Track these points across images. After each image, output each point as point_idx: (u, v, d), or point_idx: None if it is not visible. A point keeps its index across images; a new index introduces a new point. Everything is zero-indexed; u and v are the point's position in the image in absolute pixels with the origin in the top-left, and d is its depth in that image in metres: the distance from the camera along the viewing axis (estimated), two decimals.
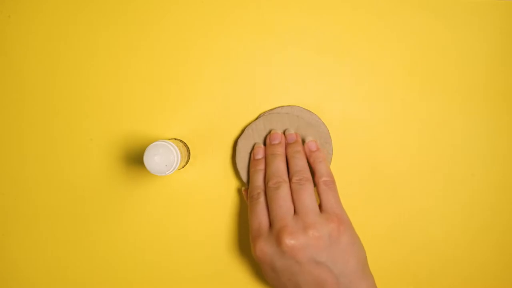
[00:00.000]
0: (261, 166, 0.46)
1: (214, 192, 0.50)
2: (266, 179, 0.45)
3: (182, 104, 0.50)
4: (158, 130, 0.50)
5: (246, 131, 0.49)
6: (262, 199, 0.44)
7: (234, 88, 0.50)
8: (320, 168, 0.45)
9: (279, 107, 0.49)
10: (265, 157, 0.47)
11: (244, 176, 0.49)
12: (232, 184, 0.50)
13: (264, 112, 0.49)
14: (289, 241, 0.40)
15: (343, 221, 0.42)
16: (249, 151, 0.49)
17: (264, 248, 0.41)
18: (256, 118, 0.49)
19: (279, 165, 0.45)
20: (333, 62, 0.50)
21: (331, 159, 0.49)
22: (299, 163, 0.45)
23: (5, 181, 0.50)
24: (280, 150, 0.46)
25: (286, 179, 0.44)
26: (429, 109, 0.50)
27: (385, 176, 0.50)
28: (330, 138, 0.49)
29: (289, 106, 0.49)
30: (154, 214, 0.50)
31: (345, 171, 0.50)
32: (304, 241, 0.40)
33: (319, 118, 0.49)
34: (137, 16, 0.50)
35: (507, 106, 0.50)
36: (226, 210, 0.50)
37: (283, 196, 0.43)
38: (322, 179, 0.44)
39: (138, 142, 0.50)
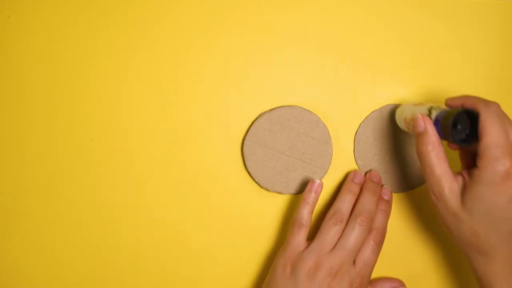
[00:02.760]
0: (310, 200, 0.47)
1: (225, 189, 0.50)
2: (331, 209, 0.46)
3: (182, 104, 0.50)
4: (158, 130, 0.50)
5: (250, 132, 0.49)
6: (302, 230, 0.45)
7: (234, 88, 0.50)
8: (379, 218, 0.46)
9: (279, 107, 0.49)
10: (341, 190, 0.48)
11: (260, 180, 0.49)
12: (243, 185, 0.50)
13: (265, 112, 0.49)
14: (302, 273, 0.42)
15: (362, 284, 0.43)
16: (257, 153, 0.49)
17: (280, 275, 0.44)
18: (256, 118, 0.49)
19: (349, 205, 0.46)
20: (333, 62, 0.50)
21: (331, 159, 0.49)
22: (370, 206, 0.45)
23: (5, 181, 0.50)
24: (356, 190, 0.47)
25: (346, 219, 0.45)
26: None
27: None
28: (330, 138, 0.49)
29: (289, 106, 0.49)
30: (154, 214, 0.50)
31: (345, 171, 0.50)
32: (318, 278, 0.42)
33: (319, 118, 0.49)
34: (137, 16, 0.50)
35: (508, 106, 0.50)
36: (240, 212, 0.50)
37: (332, 235, 0.44)
38: (374, 231, 0.45)
39: (138, 142, 0.50)
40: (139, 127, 0.50)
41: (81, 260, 0.50)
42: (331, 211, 0.46)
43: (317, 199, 0.47)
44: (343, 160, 0.50)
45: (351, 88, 0.50)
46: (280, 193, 0.49)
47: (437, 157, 0.40)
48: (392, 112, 0.49)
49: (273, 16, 0.50)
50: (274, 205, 0.50)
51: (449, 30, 0.50)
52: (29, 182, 0.50)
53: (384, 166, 0.50)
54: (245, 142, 0.49)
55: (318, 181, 0.47)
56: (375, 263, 0.45)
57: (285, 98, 0.50)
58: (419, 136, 0.41)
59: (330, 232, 0.44)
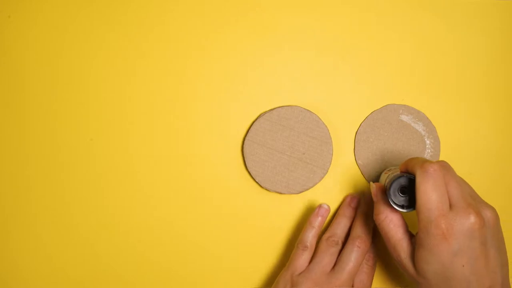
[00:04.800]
0: (316, 224, 0.47)
1: (225, 191, 0.50)
2: (326, 231, 0.47)
3: (182, 104, 0.50)
4: (159, 130, 0.50)
5: (250, 132, 0.49)
6: (306, 252, 0.46)
7: (234, 88, 0.50)
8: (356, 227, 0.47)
9: (279, 107, 0.49)
10: (336, 214, 0.49)
11: (260, 180, 0.49)
12: (243, 185, 0.50)
13: (265, 112, 0.49)
14: None
15: None
16: (257, 153, 0.49)
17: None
18: (256, 118, 0.49)
19: (344, 228, 0.47)
20: (333, 62, 0.50)
21: (331, 159, 0.49)
22: (366, 230, 0.46)
23: (5, 181, 0.50)
24: (351, 214, 0.48)
25: (342, 242, 0.46)
26: (429, 109, 0.50)
27: None
28: (330, 138, 0.49)
29: (289, 106, 0.49)
30: (154, 214, 0.50)
31: (345, 171, 0.50)
32: None
33: (319, 118, 0.49)
34: (137, 17, 0.50)
35: (508, 106, 0.50)
36: (241, 212, 0.50)
37: (329, 257, 0.45)
38: (366, 255, 0.46)
39: (138, 142, 0.50)
40: (139, 127, 0.50)
41: (81, 260, 0.50)
42: (327, 234, 0.46)
43: (323, 223, 0.48)
44: (343, 160, 0.50)
45: (351, 88, 0.50)
46: (280, 193, 0.49)
47: (390, 225, 0.41)
48: (392, 112, 0.49)
49: (273, 17, 0.50)
50: (274, 205, 0.50)
51: (449, 30, 0.50)
52: (29, 182, 0.50)
53: (384, 166, 0.50)
54: (245, 142, 0.49)
55: (325, 207, 0.48)
56: (370, 286, 0.46)
57: (285, 98, 0.50)
58: (374, 205, 0.42)
59: (327, 253, 0.45)
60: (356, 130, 0.50)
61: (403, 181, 0.40)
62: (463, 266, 0.37)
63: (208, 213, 0.50)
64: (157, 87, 0.50)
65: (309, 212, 0.50)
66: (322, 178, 0.49)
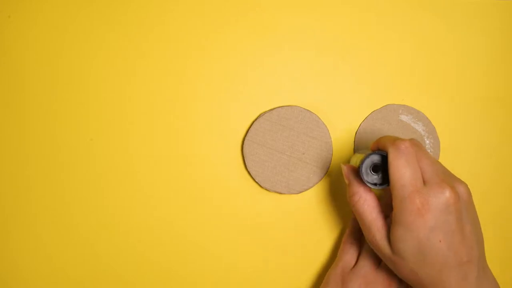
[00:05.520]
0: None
1: (225, 192, 0.50)
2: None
3: (182, 104, 0.50)
4: (158, 130, 0.50)
5: (250, 132, 0.49)
6: (354, 246, 0.46)
7: (234, 88, 0.50)
8: None
9: (279, 107, 0.49)
10: None
11: (260, 180, 0.49)
12: (243, 185, 0.50)
13: (265, 112, 0.49)
14: None
15: None
16: (257, 153, 0.49)
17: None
18: (256, 118, 0.49)
19: None
20: (333, 62, 0.50)
21: (331, 159, 0.49)
22: None
23: (5, 181, 0.50)
24: None
25: None
26: (429, 109, 0.50)
27: None
28: (330, 138, 0.49)
29: (289, 106, 0.49)
30: (154, 214, 0.50)
31: None
32: None
33: (319, 118, 0.49)
34: (136, 17, 0.50)
35: (508, 105, 0.50)
36: (241, 212, 0.50)
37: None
38: None
39: (138, 142, 0.50)
40: (139, 127, 0.50)
41: (81, 260, 0.50)
42: None
43: None
44: (343, 160, 0.50)
45: (351, 88, 0.50)
46: (280, 193, 0.49)
47: (364, 206, 0.40)
48: (392, 112, 0.49)
49: (273, 17, 0.50)
50: (274, 205, 0.50)
51: (449, 30, 0.50)
52: (29, 182, 0.50)
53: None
54: (245, 142, 0.49)
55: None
56: None
57: (285, 98, 0.50)
58: (347, 187, 0.42)
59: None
60: (356, 130, 0.50)
61: (375, 158, 0.39)
62: (440, 241, 0.37)
63: (208, 213, 0.50)
64: (157, 87, 0.50)
65: (309, 212, 0.50)
66: (322, 178, 0.49)
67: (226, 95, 0.50)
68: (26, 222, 0.50)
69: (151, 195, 0.50)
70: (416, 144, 0.39)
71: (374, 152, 0.39)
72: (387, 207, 0.42)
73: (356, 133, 0.50)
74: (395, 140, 0.39)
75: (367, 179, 0.40)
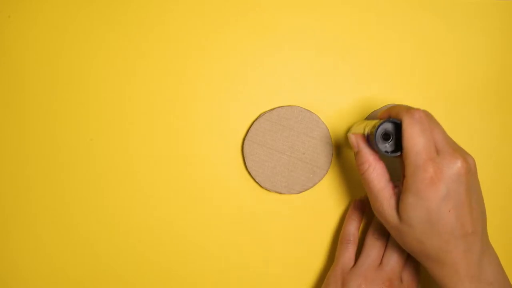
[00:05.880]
0: (355, 217, 0.48)
1: (226, 192, 0.50)
2: (372, 225, 0.47)
3: (182, 104, 0.50)
4: (158, 130, 0.50)
5: (250, 132, 0.49)
6: (350, 246, 0.46)
7: (234, 88, 0.50)
8: None
9: (279, 107, 0.49)
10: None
11: (260, 180, 0.49)
12: (243, 185, 0.50)
13: (265, 112, 0.49)
14: None
15: None
16: (257, 153, 0.49)
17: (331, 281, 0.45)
18: (256, 118, 0.49)
19: None
20: (333, 62, 0.50)
21: (331, 159, 0.49)
22: None
23: (5, 181, 0.50)
24: None
25: (388, 235, 0.46)
26: (429, 109, 0.50)
27: None
28: (330, 138, 0.49)
29: (289, 106, 0.49)
30: (154, 214, 0.50)
31: (345, 171, 0.50)
32: None
33: (319, 118, 0.49)
34: (136, 17, 0.50)
35: (508, 106, 0.50)
36: (241, 212, 0.50)
37: (377, 250, 0.45)
38: None
39: (138, 142, 0.50)
40: (139, 127, 0.50)
41: (81, 260, 0.50)
42: (372, 228, 0.46)
43: (362, 215, 0.48)
44: (343, 160, 0.50)
45: (351, 88, 0.50)
46: (280, 193, 0.49)
47: (373, 174, 0.40)
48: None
49: (273, 17, 0.50)
50: (274, 205, 0.50)
51: (449, 30, 0.50)
52: (29, 182, 0.50)
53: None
54: (245, 142, 0.49)
55: (362, 199, 0.48)
56: (419, 279, 0.46)
57: (285, 98, 0.50)
58: (355, 155, 0.42)
59: (374, 247, 0.45)
60: None
61: (388, 126, 0.39)
62: (449, 211, 0.37)
63: (208, 213, 0.50)
64: (157, 87, 0.50)
65: (309, 212, 0.50)
66: (322, 178, 0.49)
67: (226, 95, 0.50)
68: (26, 222, 0.50)
69: (151, 195, 0.50)
70: (429, 115, 0.39)
71: (387, 119, 0.39)
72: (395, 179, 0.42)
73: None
74: (409, 108, 0.39)
75: (381, 147, 0.39)
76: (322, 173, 0.49)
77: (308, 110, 0.49)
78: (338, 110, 0.50)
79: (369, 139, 0.40)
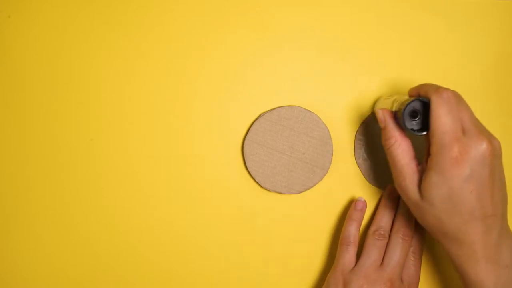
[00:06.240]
0: (356, 217, 0.48)
1: (226, 192, 0.50)
2: (372, 225, 0.47)
3: (182, 104, 0.50)
4: (159, 130, 0.50)
5: (250, 132, 0.49)
6: (351, 247, 0.46)
7: (234, 88, 0.50)
8: (416, 234, 0.47)
9: (279, 107, 0.49)
10: (378, 206, 0.49)
11: (260, 180, 0.49)
12: (243, 185, 0.50)
13: (265, 112, 0.49)
14: None
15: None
16: (257, 153, 0.49)
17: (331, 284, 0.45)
18: (256, 118, 0.49)
19: (389, 220, 0.47)
20: (333, 62, 0.50)
21: (331, 159, 0.49)
22: (409, 221, 0.46)
23: (5, 181, 0.50)
24: (394, 205, 0.48)
25: (388, 235, 0.46)
26: None
27: None
28: (330, 138, 0.49)
29: (289, 106, 0.49)
30: (154, 214, 0.50)
31: (345, 171, 0.50)
32: None
33: (319, 118, 0.49)
34: (136, 17, 0.50)
35: (508, 106, 0.50)
36: (241, 212, 0.50)
37: (377, 251, 0.45)
38: (411, 247, 0.46)
39: (138, 142, 0.50)
40: (139, 127, 0.50)
41: (81, 260, 0.50)
42: (373, 228, 0.47)
43: (362, 216, 0.48)
44: (343, 160, 0.50)
45: (351, 88, 0.50)
46: (280, 193, 0.49)
47: (399, 150, 0.41)
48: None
49: (273, 17, 0.50)
50: (274, 205, 0.50)
51: (449, 30, 0.50)
52: (29, 182, 0.50)
53: (384, 166, 0.50)
54: (245, 142, 0.49)
55: (362, 200, 0.48)
56: (419, 279, 0.46)
57: (285, 98, 0.50)
58: (382, 130, 0.42)
59: (374, 248, 0.45)
60: (356, 130, 0.50)
61: (416, 104, 0.39)
62: (471, 192, 0.37)
63: (208, 213, 0.50)
64: (157, 87, 0.50)
65: (309, 212, 0.50)
66: (322, 178, 0.49)
67: (226, 95, 0.50)
68: (26, 222, 0.50)
69: (151, 195, 0.50)
70: (457, 95, 0.39)
71: (416, 98, 0.39)
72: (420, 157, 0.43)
73: (356, 133, 0.50)
74: (438, 88, 0.39)
75: (408, 125, 0.40)
76: (322, 173, 0.49)
77: (308, 110, 0.49)
78: (338, 110, 0.50)
79: (397, 116, 0.41)
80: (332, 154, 0.49)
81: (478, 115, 0.50)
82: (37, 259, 0.50)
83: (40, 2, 0.50)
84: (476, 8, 0.50)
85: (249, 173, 0.50)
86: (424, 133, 0.40)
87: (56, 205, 0.50)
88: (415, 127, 0.40)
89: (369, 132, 0.50)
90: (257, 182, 0.49)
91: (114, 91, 0.50)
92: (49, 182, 0.50)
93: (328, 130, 0.49)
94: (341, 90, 0.50)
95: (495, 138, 0.38)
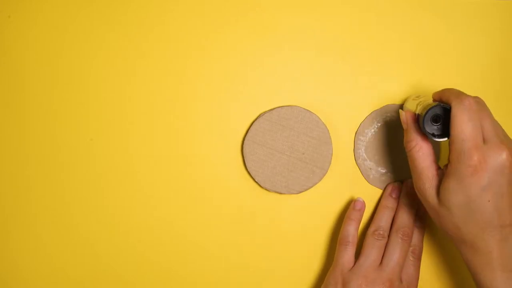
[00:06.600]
0: (354, 217, 0.48)
1: (225, 192, 0.50)
2: (371, 225, 0.47)
3: (182, 104, 0.50)
4: (158, 130, 0.50)
5: (250, 132, 0.49)
6: (350, 247, 0.46)
7: (234, 88, 0.50)
8: (415, 234, 0.47)
9: (279, 107, 0.49)
10: (379, 206, 0.49)
11: (260, 180, 0.49)
12: (243, 185, 0.50)
13: (265, 112, 0.49)
14: None
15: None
16: (257, 153, 0.49)
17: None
18: (256, 118, 0.49)
19: (388, 219, 0.47)
20: (333, 62, 0.50)
21: (331, 159, 0.49)
22: (409, 221, 0.46)
23: (5, 181, 0.50)
24: (393, 205, 0.48)
25: (387, 235, 0.46)
26: None
27: None
28: (330, 138, 0.49)
29: (289, 106, 0.49)
30: (154, 214, 0.50)
31: (345, 171, 0.50)
32: None
33: (319, 118, 0.49)
34: (136, 17, 0.50)
35: (508, 106, 0.50)
36: (240, 212, 0.50)
37: (376, 251, 0.45)
38: (411, 247, 0.46)
39: (138, 142, 0.50)
40: (139, 127, 0.50)
41: (81, 260, 0.50)
42: (372, 227, 0.47)
43: (361, 216, 0.48)
44: (343, 160, 0.50)
45: (351, 88, 0.50)
46: (279, 193, 0.49)
47: (420, 153, 0.41)
48: (391, 111, 0.49)
49: (273, 17, 0.50)
50: (274, 205, 0.50)
51: (449, 30, 0.50)
52: (29, 182, 0.50)
53: (384, 166, 0.50)
54: (245, 142, 0.49)
55: (360, 200, 0.48)
56: (418, 278, 0.46)
57: (285, 98, 0.50)
58: (405, 132, 0.43)
59: (374, 248, 0.45)
60: (356, 130, 0.50)
61: (438, 110, 0.40)
62: (489, 201, 0.37)
63: (208, 213, 0.50)
64: (157, 87, 0.50)
65: (309, 212, 0.50)
66: (321, 178, 0.49)
67: (226, 95, 0.50)
68: (26, 222, 0.50)
69: (151, 195, 0.50)
70: (480, 102, 0.39)
71: (437, 104, 0.39)
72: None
73: (356, 133, 0.50)
74: (459, 94, 0.39)
75: (427, 129, 0.40)
76: (322, 173, 0.49)
77: (308, 110, 0.49)
78: (338, 110, 0.50)
79: (419, 119, 0.41)
80: (332, 154, 0.49)
81: None
82: (37, 259, 0.50)
83: (40, 2, 0.50)
84: (476, 8, 0.50)
85: (248, 173, 0.50)
86: (444, 139, 0.40)
87: (56, 205, 0.50)
88: (436, 132, 0.40)
89: (370, 132, 0.50)
90: (256, 182, 0.49)
91: (114, 91, 0.50)
92: (49, 182, 0.50)
93: (328, 130, 0.49)
94: (341, 90, 0.50)
95: None
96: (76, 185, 0.50)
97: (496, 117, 0.50)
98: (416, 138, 0.41)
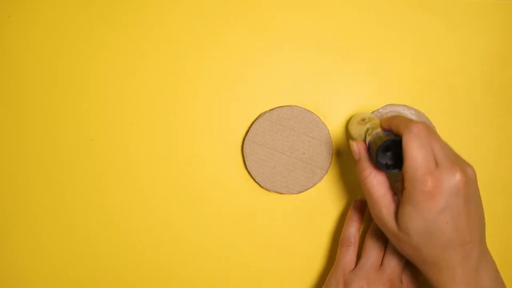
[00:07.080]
0: (356, 218, 0.48)
1: (226, 193, 0.50)
2: (372, 225, 0.47)
3: (182, 104, 0.50)
4: (159, 130, 0.50)
5: (250, 132, 0.49)
6: (351, 248, 0.47)
7: (234, 88, 0.50)
8: None
9: (279, 107, 0.49)
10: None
11: (260, 180, 0.49)
12: (243, 185, 0.50)
13: (265, 112, 0.49)
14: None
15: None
16: (257, 153, 0.49)
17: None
18: (256, 118, 0.49)
19: None
20: (333, 62, 0.50)
21: (331, 159, 0.49)
22: None
23: (5, 181, 0.50)
24: None
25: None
26: (429, 109, 0.50)
27: None
28: (330, 138, 0.49)
29: (289, 106, 0.49)
30: (154, 214, 0.50)
31: (345, 171, 0.50)
32: None
33: (319, 118, 0.49)
34: (137, 17, 0.50)
35: (508, 106, 0.50)
36: (240, 212, 0.50)
37: (377, 252, 0.45)
38: None
39: (138, 142, 0.50)
40: (139, 127, 0.50)
41: (81, 260, 0.50)
42: (372, 229, 0.47)
43: (362, 216, 0.48)
44: (343, 160, 0.50)
45: (351, 88, 0.50)
46: (280, 193, 0.49)
47: (374, 181, 0.41)
48: (392, 112, 0.49)
49: (273, 17, 0.50)
50: (274, 205, 0.50)
51: (449, 30, 0.50)
52: (29, 182, 0.50)
53: None
54: (245, 142, 0.49)
55: (361, 200, 0.48)
56: (418, 279, 0.46)
57: (285, 98, 0.50)
58: (356, 162, 0.43)
59: (375, 249, 0.45)
60: None
61: (389, 143, 0.40)
62: (447, 222, 0.37)
63: (208, 213, 0.50)
64: (157, 87, 0.50)
65: (309, 212, 0.50)
66: (322, 178, 0.49)
67: (226, 95, 0.50)
68: (26, 222, 0.50)
69: (151, 195, 0.50)
70: (428, 127, 0.40)
71: (388, 139, 0.40)
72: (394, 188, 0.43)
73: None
74: (408, 122, 0.39)
75: (381, 160, 0.40)
76: (322, 173, 0.49)
77: (308, 110, 0.49)
78: (338, 110, 0.50)
79: (370, 148, 0.41)
80: (332, 154, 0.49)
81: (478, 114, 0.50)
82: (37, 259, 0.50)
83: (40, 2, 0.50)
84: (476, 8, 0.50)
85: (249, 173, 0.50)
86: (396, 171, 0.40)
87: (56, 205, 0.50)
88: (389, 162, 0.40)
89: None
90: (257, 182, 0.49)
91: (114, 91, 0.50)
92: (49, 182, 0.50)
93: (328, 130, 0.49)
94: (341, 90, 0.50)
95: (468, 166, 0.38)
96: (76, 185, 0.50)
97: (496, 117, 0.50)
98: (369, 167, 0.41)
